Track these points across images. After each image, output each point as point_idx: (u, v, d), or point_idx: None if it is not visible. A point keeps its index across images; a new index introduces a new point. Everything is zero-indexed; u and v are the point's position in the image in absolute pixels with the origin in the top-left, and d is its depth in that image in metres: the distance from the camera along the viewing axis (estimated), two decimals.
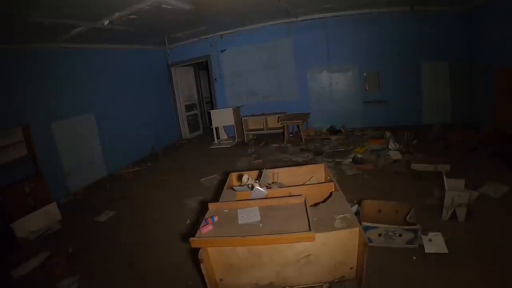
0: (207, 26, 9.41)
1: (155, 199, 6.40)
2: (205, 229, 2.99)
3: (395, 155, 6.99)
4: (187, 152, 10.24)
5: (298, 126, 9.52)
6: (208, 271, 2.84)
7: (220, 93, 11.72)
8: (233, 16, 8.55)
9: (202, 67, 13.58)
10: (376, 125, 10.03)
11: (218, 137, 10.98)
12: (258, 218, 3.07)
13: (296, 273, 2.99)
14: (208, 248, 2.89)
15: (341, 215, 3.04)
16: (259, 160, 7.93)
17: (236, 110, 10.79)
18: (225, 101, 11.60)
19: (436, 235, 3.77)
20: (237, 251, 2.93)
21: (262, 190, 3.64)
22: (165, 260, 4.13)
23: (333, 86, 10.63)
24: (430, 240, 3.71)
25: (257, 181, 4.05)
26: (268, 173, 4.28)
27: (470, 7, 8.75)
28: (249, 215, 3.12)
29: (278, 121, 9.91)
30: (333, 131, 10.01)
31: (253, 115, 10.81)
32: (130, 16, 6.35)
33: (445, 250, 3.57)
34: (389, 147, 7.42)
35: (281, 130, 9.95)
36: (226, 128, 11.15)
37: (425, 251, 3.59)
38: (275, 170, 4.53)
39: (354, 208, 4.38)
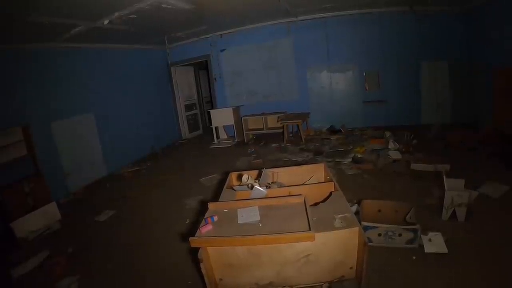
0: (207, 25, 9.40)
1: (155, 199, 6.40)
2: (205, 228, 2.99)
3: (394, 154, 7.00)
4: (187, 152, 10.25)
5: (298, 125, 9.52)
6: (208, 270, 2.84)
7: (220, 93, 11.72)
8: (233, 15, 8.55)
9: (202, 67, 13.57)
10: (376, 125, 10.04)
11: (218, 137, 10.98)
12: (258, 218, 3.07)
13: (296, 272, 2.99)
14: (207, 247, 2.89)
15: (341, 215, 3.04)
16: (258, 160, 7.93)
17: (236, 110, 10.79)
18: (225, 101, 11.59)
19: (436, 235, 3.77)
20: (237, 250, 2.92)
21: (262, 189, 3.64)
22: (165, 259, 4.13)
23: (333, 86, 10.63)
24: (430, 240, 3.72)
25: (257, 180, 4.04)
26: (267, 172, 4.28)
27: (469, 7, 8.75)
28: (248, 214, 3.12)
29: (278, 121, 9.91)
30: (333, 130, 10.02)
31: (253, 115, 10.80)
32: (130, 16, 6.34)
33: (445, 250, 3.57)
34: (389, 146, 7.42)
35: (281, 130, 9.94)
36: (226, 127, 11.15)
37: (425, 251, 3.59)
38: (275, 170, 4.53)
39: (354, 208, 4.38)
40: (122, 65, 9.48)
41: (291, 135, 10.14)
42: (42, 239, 5.24)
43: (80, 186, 7.59)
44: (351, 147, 8.08)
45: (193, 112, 12.90)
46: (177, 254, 4.17)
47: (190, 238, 2.82)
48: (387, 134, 8.26)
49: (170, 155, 10.05)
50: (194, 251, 2.88)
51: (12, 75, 6.38)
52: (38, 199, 5.95)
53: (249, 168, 6.61)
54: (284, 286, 3.03)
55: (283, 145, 9.28)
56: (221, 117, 10.65)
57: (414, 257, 3.55)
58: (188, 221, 5.14)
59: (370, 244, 3.45)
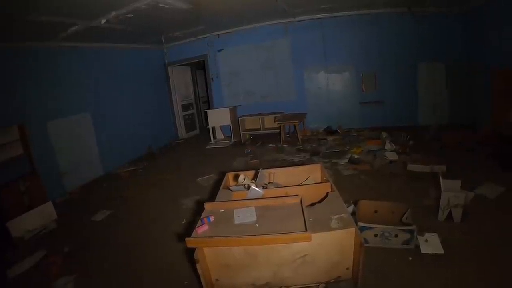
0: (205, 25, 9.40)
1: (152, 199, 6.39)
2: (201, 229, 2.99)
3: (391, 155, 7.00)
4: (183, 152, 10.24)
5: (294, 126, 9.53)
6: (204, 271, 2.84)
7: (217, 93, 11.71)
8: (230, 15, 8.55)
9: (199, 67, 13.57)
10: (372, 126, 10.04)
11: (214, 137, 10.96)
12: (254, 218, 3.07)
13: (292, 273, 2.99)
14: (204, 248, 2.89)
15: (337, 215, 3.05)
16: (255, 160, 7.93)
17: (233, 110, 10.78)
18: (222, 101, 11.58)
19: (432, 235, 3.78)
20: (233, 251, 2.93)
21: (259, 190, 3.65)
22: (161, 259, 4.12)
23: (330, 87, 10.64)
24: (426, 240, 3.72)
25: (254, 181, 4.05)
26: (264, 173, 4.28)
27: (468, 8, 8.77)
28: (245, 215, 3.13)
29: (274, 121, 9.89)
30: (330, 131, 10.02)
31: (250, 115, 10.77)
32: (127, 15, 6.34)
33: (441, 251, 3.57)
34: (386, 147, 7.43)
35: (278, 130, 9.92)
36: (222, 128, 11.13)
37: (421, 252, 3.60)
38: (272, 170, 4.54)
39: (350, 208, 4.38)
40: (119, 64, 9.46)
41: (288, 135, 10.15)
42: (38, 239, 5.22)
43: (77, 185, 7.57)
44: (348, 147, 8.09)
45: (190, 112, 12.90)
46: (173, 254, 4.16)
47: (187, 238, 2.82)
48: (384, 135, 8.29)
49: (167, 155, 10.04)
50: (191, 251, 2.88)
51: (10, 74, 6.36)
52: (34, 198, 5.92)
53: (246, 169, 6.60)
54: (281, 287, 3.04)
55: (280, 145, 9.28)
56: (218, 117, 10.66)
57: (410, 258, 3.55)
58: (184, 221, 5.12)
59: (366, 244, 3.45)
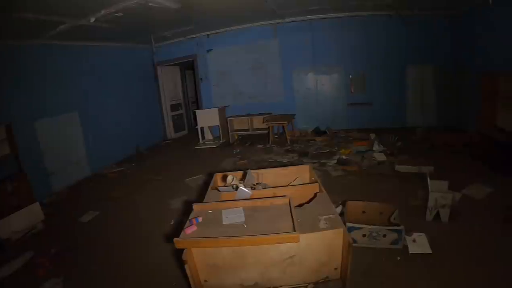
0: (194, 25, 9.37)
1: (140, 200, 6.36)
2: (189, 229, 2.97)
3: (379, 156, 7.05)
4: (172, 152, 10.19)
5: (283, 127, 9.53)
6: (193, 272, 2.83)
7: (206, 93, 11.69)
8: (220, 16, 8.53)
9: (188, 67, 13.51)
10: (361, 127, 10.09)
11: (203, 137, 10.92)
12: (243, 219, 3.06)
13: (280, 273, 2.99)
14: (192, 249, 2.87)
15: (325, 216, 3.05)
16: (244, 161, 7.93)
17: (222, 111, 10.77)
18: (211, 101, 11.55)
19: (420, 235, 3.80)
20: (222, 252, 2.91)
21: (247, 190, 3.64)
22: (149, 261, 4.10)
23: (319, 88, 10.68)
24: (414, 240, 3.75)
25: (242, 181, 4.04)
26: (252, 173, 4.27)
27: (456, 12, 8.87)
28: (233, 215, 3.12)
29: (263, 122, 9.90)
30: (318, 132, 10.04)
31: (238, 116, 10.77)
32: (117, 14, 6.29)
33: (429, 251, 3.60)
34: (374, 148, 7.48)
35: (266, 131, 9.94)
36: (211, 128, 11.11)
37: (409, 252, 3.62)
38: (260, 171, 4.54)
39: (339, 209, 4.40)
40: (108, 63, 9.40)
41: (276, 136, 10.16)
42: (26, 240, 5.16)
43: (64, 186, 7.50)
44: (336, 148, 8.11)
45: (178, 112, 12.84)
46: (162, 255, 4.14)
47: (175, 239, 2.80)
48: (372, 136, 8.32)
49: (155, 155, 9.98)
50: (179, 252, 2.86)
51: None
52: (21, 199, 5.84)
53: (234, 169, 6.59)
54: (269, 287, 3.02)
55: (268, 146, 9.29)
56: (207, 118, 10.62)
57: (398, 258, 3.57)
58: (173, 221, 5.11)
59: (354, 244, 3.46)
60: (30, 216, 5.45)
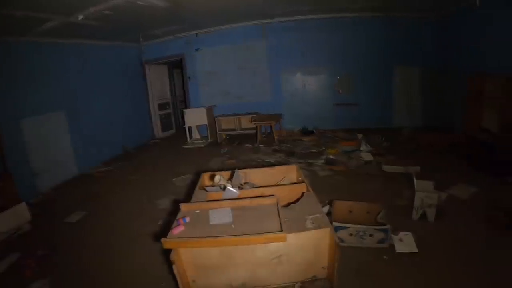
0: (183, 24, 9.32)
1: (127, 199, 6.32)
2: (177, 230, 2.97)
3: (366, 156, 7.10)
4: (159, 152, 10.16)
5: (271, 126, 9.55)
6: (180, 272, 2.82)
7: (194, 92, 11.65)
8: (209, 15, 8.50)
9: (176, 66, 13.45)
10: (348, 127, 10.15)
11: (191, 137, 10.90)
12: (230, 219, 3.07)
13: (268, 273, 3.00)
14: (180, 249, 2.87)
15: (312, 216, 3.07)
16: (231, 160, 7.93)
17: (210, 110, 10.75)
18: (199, 101, 11.51)
19: (406, 234, 3.85)
20: (209, 252, 2.92)
21: (234, 190, 3.64)
22: (137, 261, 4.08)
23: (306, 88, 10.74)
24: (400, 239, 3.79)
25: (229, 181, 4.04)
26: (240, 173, 4.27)
27: (443, 14, 8.98)
28: (221, 215, 3.12)
29: (251, 122, 9.91)
30: (305, 132, 10.07)
31: (226, 115, 10.77)
32: (105, 12, 6.25)
33: (415, 249, 3.65)
34: (361, 148, 7.53)
35: (254, 131, 9.95)
36: (199, 127, 11.08)
37: (396, 251, 3.66)
38: (247, 171, 4.54)
39: (326, 208, 4.42)
40: (95, 61, 9.28)
41: (264, 136, 10.16)
42: (12, 241, 5.10)
43: (51, 186, 7.41)
44: (324, 148, 8.14)
45: (166, 111, 12.77)
46: (149, 255, 4.13)
47: (162, 240, 2.79)
48: (359, 136, 8.36)
49: (143, 154, 9.93)
50: (167, 252, 2.86)
51: None
52: (6, 199, 5.77)
53: (222, 169, 6.59)
54: (257, 287, 3.03)
55: (256, 145, 9.29)
56: (195, 117, 10.60)
57: (385, 257, 3.61)
58: (160, 221, 5.09)
59: (341, 244, 3.49)
60: (16, 216, 5.40)
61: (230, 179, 4.18)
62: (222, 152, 8.97)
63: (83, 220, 5.63)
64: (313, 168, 6.87)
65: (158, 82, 12.32)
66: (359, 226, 3.73)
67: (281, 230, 2.74)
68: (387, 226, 3.70)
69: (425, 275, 3.25)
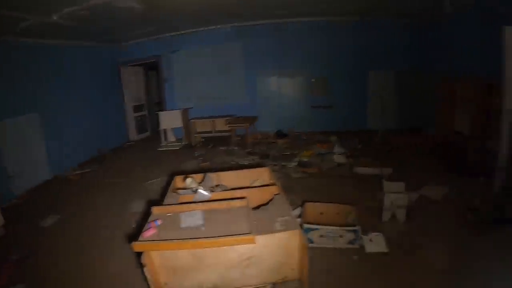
0: (158, 26, 9.29)
1: (101, 203, 6.27)
2: (148, 233, 2.97)
3: (339, 158, 7.18)
4: (134, 154, 10.09)
5: (245, 129, 9.57)
6: (152, 275, 2.82)
7: (169, 95, 11.59)
8: (185, 17, 8.49)
9: (152, 68, 13.36)
10: (323, 129, 10.24)
11: (166, 139, 10.85)
12: (201, 221, 3.07)
13: (239, 275, 3.02)
14: (151, 252, 2.87)
15: (281, 218, 3.10)
16: (206, 163, 7.94)
17: (185, 112, 10.72)
18: (174, 103, 11.46)
19: (377, 235, 3.93)
20: (180, 254, 2.92)
21: (206, 193, 3.65)
22: (112, 265, 4.07)
23: (282, 91, 10.82)
24: (371, 240, 3.86)
25: (201, 184, 4.05)
26: (211, 176, 4.28)
27: (418, 20, 9.17)
28: (192, 218, 3.12)
29: (226, 124, 9.91)
30: (280, 134, 10.11)
31: (201, 118, 10.75)
32: (81, 12, 6.17)
33: (385, 249, 3.74)
34: (335, 151, 7.59)
35: (229, 133, 9.95)
36: (174, 130, 11.04)
37: (366, 251, 3.75)
38: (220, 173, 4.55)
39: (298, 210, 4.47)
40: (70, 62, 9.12)
41: (239, 138, 10.17)
42: None
43: (25, 189, 7.25)
44: (298, 151, 8.19)
45: (141, 113, 12.65)
46: (123, 259, 4.11)
47: (133, 243, 2.79)
48: (333, 138, 8.44)
49: (118, 157, 9.85)
50: (140, 256, 2.86)
51: None
52: None
53: (196, 171, 6.59)
54: None
55: (230, 148, 9.30)
56: (170, 120, 10.56)
57: (355, 257, 3.69)
58: (134, 225, 5.08)
59: (312, 245, 3.55)
60: None
61: (202, 181, 4.19)
62: (196, 154, 8.96)
63: (58, 223, 5.57)
64: (286, 170, 6.93)
65: (133, 84, 12.21)
66: (330, 227, 3.79)
67: (250, 232, 2.76)
68: (357, 227, 3.77)
69: (395, 274, 3.33)
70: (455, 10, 6.94)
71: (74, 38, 8.68)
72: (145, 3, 6.33)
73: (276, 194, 3.71)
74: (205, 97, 11.26)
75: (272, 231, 2.93)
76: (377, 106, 10.31)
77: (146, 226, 3.10)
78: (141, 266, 2.75)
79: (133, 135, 12.17)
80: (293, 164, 7.23)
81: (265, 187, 4.07)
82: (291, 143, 9.15)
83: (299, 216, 4.26)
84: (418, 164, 6.75)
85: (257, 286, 3.07)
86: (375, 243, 3.83)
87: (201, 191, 3.67)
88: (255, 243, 2.73)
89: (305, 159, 7.40)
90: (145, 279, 2.79)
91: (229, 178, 4.53)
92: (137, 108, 12.31)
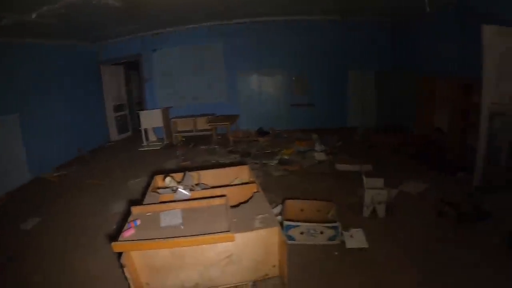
0: (139, 24, 9.20)
1: (82, 204, 6.18)
2: (128, 233, 2.95)
3: (320, 156, 7.21)
4: (115, 154, 9.98)
5: (226, 127, 9.55)
6: (133, 275, 2.81)
7: (150, 94, 11.51)
8: (165, 15, 8.43)
9: (133, 67, 13.25)
10: (303, 127, 10.31)
11: (147, 139, 10.76)
12: (180, 220, 3.06)
13: (220, 273, 3.03)
14: (131, 252, 2.86)
15: (261, 215, 3.11)
16: (187, 162, 7.90)
17: (165, 111, 10.65)
18: (155, 102, 11.39)
19: (357, 231, 3.97)
20: (161, 254, 2.92)
21: (185, 192, 3.64)
22: (93, 267, 4.01)
23: (263, 89, 10.86)
24: (351, 236, 3.90)
25: (181, 183, 4.04)
26: (191, 174, 4.28)
27: (398, 19, 9.30)
28: (171, 217, 3.11)
29: (207, 123, 9.89)
30: (261, 132, 10.12)
31: (182, 117, 10.72)
32: (60, 10, 6.09)
33: (366, 245, 3.78)
34: (315, 148, 7.63)
35: (210, 132, 9.93)
36: (155, 129, 10.98)
37: (347, 247, 3.78)
38: (200, 172, 4.54)
39: (278, 208, 4.48)
40: (49, 61, 8.96)
41: (219, 137, 10.15)
42: None
43: (4, 191, 7.14)
44: (279, 149, 8.21)
45: (122, 113, 12.51)
46: (105, 260, 4.06)
47: (113, 243, 2.79)
48: (314, 136, 8.47)
49: (98, 157, 9.74)
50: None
51: None
52: None
53: (177, 171, 6.56)
54: (210, 287, 3.04)
55: (211, 147, 9.27)
56: (151, 119, 10.48)
57: (336, 253, 3.71)
58: (115, 226, 5.03)
59: (293, 242, 3.56)
60: None
61: (182, 180, 4.18)
62: (177, 154, 8.92)
63: (38, 226, 5.46)
64: (267, 168, 6.94)
65: (114, 83, 12.07)
66: (310, 224, 3.80)
67: (229, 230, 2.76)
68: (337, 223, 3.79)
69: (375, 270, 3.36)
70: (436, 10, 7.00)
71: (53, 37, 8.55)
72: (124, 1, 6.28)
73: (256, 192, 3.72)
74: (186, 96, 11.23)
75: (251, 228, 2.94)
76: (357, 104, 10.42)
77: (126, 226, 3.08)
78: (122, 266, 2.73)
79: (114, 135, 12.04)
80: (274, 162, 7.25)
81: (244, 185, 4.09)
82: (272, 141, 9.17)
83: (280, 213, 4.27)
84: (398, 161, 6.84)
85: (238, 284, 3.07)
86: (355, 239, 3.86)
87: (180, 190, 3.66)
88: (234, 240, 2.74)
89: (286, 157, 7.42)
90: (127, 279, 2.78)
91: (209, 176, 4.54)
92: (117, 108, 12.17)
